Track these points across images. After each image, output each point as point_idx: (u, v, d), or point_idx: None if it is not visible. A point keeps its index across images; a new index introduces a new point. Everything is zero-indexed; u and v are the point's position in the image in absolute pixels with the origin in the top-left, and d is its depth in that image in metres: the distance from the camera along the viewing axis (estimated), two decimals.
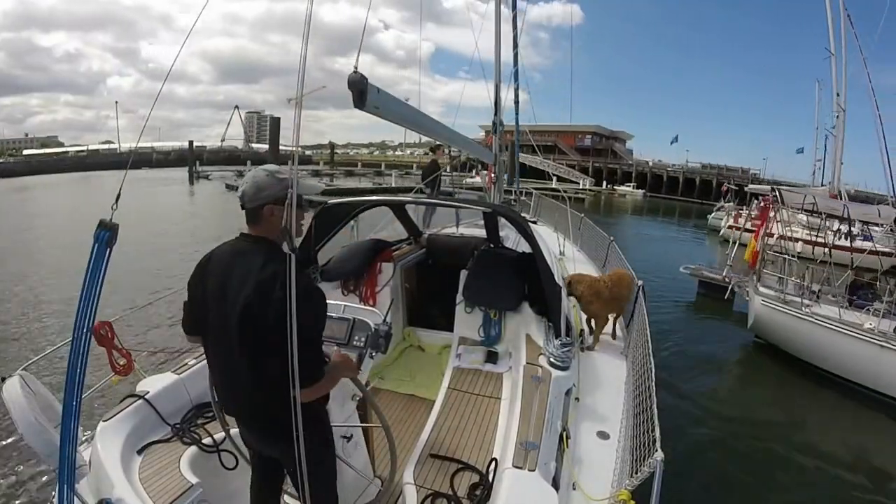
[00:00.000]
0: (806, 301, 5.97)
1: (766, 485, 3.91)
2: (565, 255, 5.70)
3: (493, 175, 6.54)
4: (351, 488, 1.86)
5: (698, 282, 9.25)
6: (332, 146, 55.12)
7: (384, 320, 2.08)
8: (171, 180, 29.99)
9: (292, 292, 1.06)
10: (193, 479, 1.77)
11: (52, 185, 28.68)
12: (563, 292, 3.23)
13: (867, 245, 14.54)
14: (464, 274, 3.45)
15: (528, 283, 3.25)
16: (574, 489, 1.98)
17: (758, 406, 5.44)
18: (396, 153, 71.00)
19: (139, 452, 1.91)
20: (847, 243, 16.45)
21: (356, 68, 1.74)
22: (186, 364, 2.43)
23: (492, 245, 3.88)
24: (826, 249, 7.01)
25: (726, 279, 8.18)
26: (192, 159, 35.62)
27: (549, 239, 5.80)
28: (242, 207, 1.40)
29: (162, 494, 1.69)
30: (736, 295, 7.89)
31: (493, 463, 1.89)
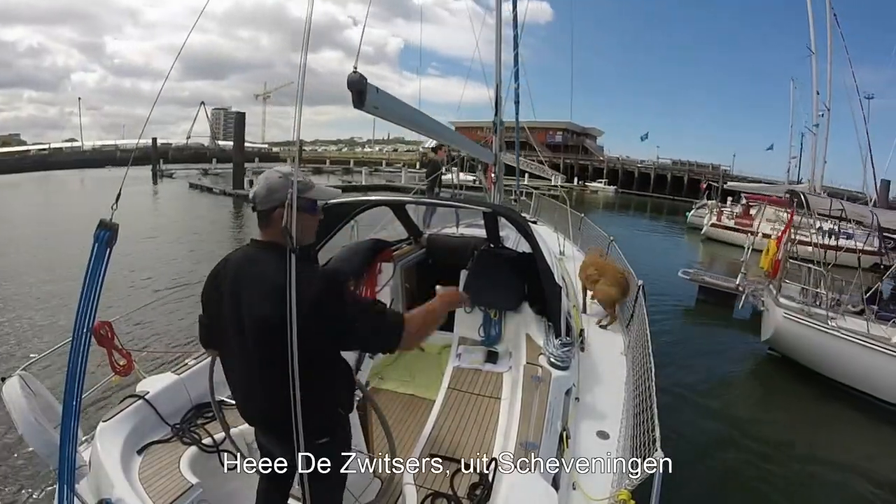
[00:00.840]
0: (831, 314, 5.55)
1: (774, 492, 3.82)
2: (565, 254, 5.70)
3: (493, 175, 6.54)
4: (351, 488, 1.86)
5: (698, 287, 8.77)
6: (300, 143, 54.36)
7: None
8: (135, 179, 28.47)
9: (292, 293, 1.06)
10: (193, 480, 1.77)
11: (13, 184, 27.50)
12: (563, 292, 3.23)
13: (848, 244, 14.47)
14: (464, 274, 3.45)
15: (528, 282, 3.25)
16: (574, 489, 1.98)
17: (768, 416, 5.19)
18: (365, 150, 70.20)
19: (139, 452, 1.91)
20: (829, 243, 16.08)
21: (356, 68, 1.74)
22: (186, 364, 2.43)
23: (492, 245, 3.88)
24: (836, 253, 6.66)
25: (740, 288, 7.53)
26: (155, 157, 33.52)
27: (549, 239, 5.80)
28: (254, 209, 1.37)
29: (162, 494, 1.69)
30: (741, 303, 7.37)
31: (493, 463, 1.89)
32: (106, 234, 1.18)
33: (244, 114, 26.83)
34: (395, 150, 62.16)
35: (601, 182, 39.35)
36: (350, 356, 1.81)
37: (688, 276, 8.86)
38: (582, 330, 3.46)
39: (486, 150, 6.07)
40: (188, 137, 58.57)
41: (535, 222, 7.36)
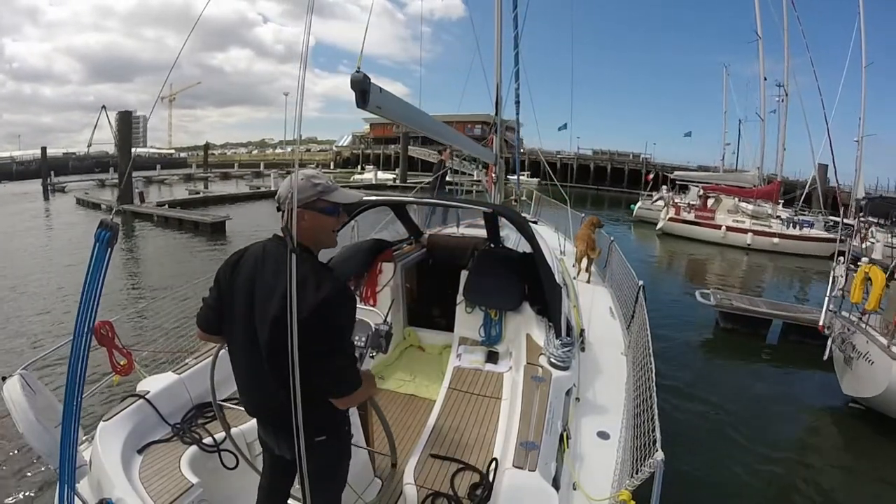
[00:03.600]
0: None
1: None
2: (565, 254, 5.70)
3: (493, 175, 6.53)
4: (351, 488, 1.86)
5: (720, 313, 7.10)
6: (206, 147, 50.65)
7: (384, 320, 2.08)
8: (27, 195, 25.24)
9: (292, 292, 1.05)
10: (194, 479, 1.77)
11: None
12: (564, 292, 3.23)
13: (813, 233, 14.07)
14: (464, 274, 3.45)
15: (529, 283, 3.26)
16: (574, 489, 1.98)
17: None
18: (276, 151, 66.63)
19: (139, 452, 1.91)
20: (794, 233, 14.77)
21: (359, 68, 1.74)
22: (187, 364, 2.43)
23: (492, 245, 3.88)
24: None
25: (825, 330, 5.25)
26: (45, 170, 29.58)
27: (550, 239, 5.81)
28: (278, 209, 1.38)
29: (162, 494, 1.69)
30: (826, 351, 5.14)
31: (494, 463, 1.89)
32: (106, 234, 1.18)
33: (130, 112, 23.06)
34: (308, 150, 59.20)
35: (524, 174, 38.57)
36: None
37: (708, 300, 7.06)
38: (582, 330, 3.46)
39: (486, 149, 6.06)
40: (89, 145, 52.63)
41: (535, 222, 7.36)
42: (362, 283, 3.59)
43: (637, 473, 1.64)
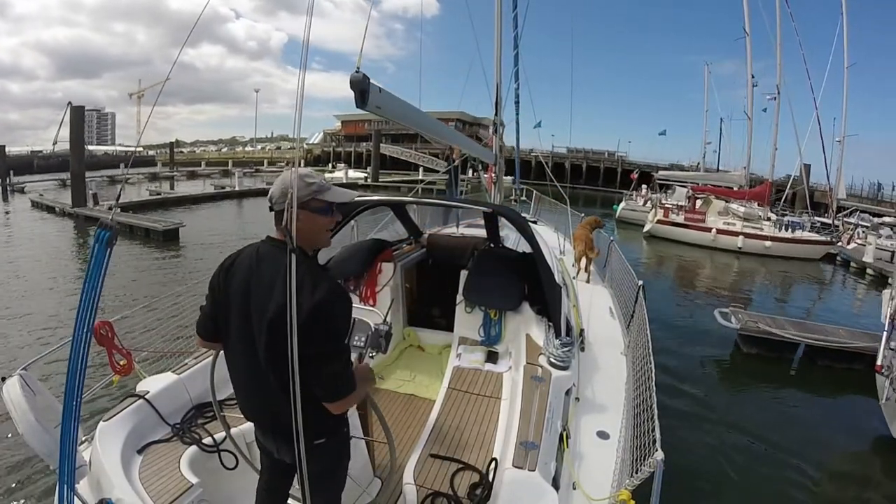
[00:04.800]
0: None
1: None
2: (565, 254, 5.71)
3: (493, 175, 6.53)
4: (351, 488, 1.86)
5: (740, 335, 6.27)
6: (172, 145, 48.37)
7: (384, 320, 2.08)
8: None
9: (292, 291, 1.05)
10: (193, 479, 1.77)
11: None
12: (563, 292, 3.23)
13: (805, 235, 13.97)
14: (464, 274, 3.45)
15: (529, 283, 3.26)
16: (574, 489, 1.98)
17: None
18: (246, 149, 65.06)
19: (139, 452, 1.91)
20: (786, 235, 14.60)
21: (358, 68, 1.74)
22: (186, 364, 2.43)
23: (492, 245, 3.88)
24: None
25: (884, 370, 4.47)
26: (3, 169, 28.16)
27: (550, 239, 5.82)
28: (271, 209, 1.36)
29: (162, 494, 1.69)
30: (884, 393, 4.40)
31: (494, 463, 1.89)
32: (106, 234, 1.18)
33: (83, 107, 20.93)
34: (279, 148, 58.03)
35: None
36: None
37: (729, 321, 6.23)
38: (582, 330, 3.46)
39: (486, 149, 6.06)
40: (54, 143, 48.85)
41: (535, 222, 7.36)
42: (362, 283, 3.59)
43: (637, 473, 1.64)
